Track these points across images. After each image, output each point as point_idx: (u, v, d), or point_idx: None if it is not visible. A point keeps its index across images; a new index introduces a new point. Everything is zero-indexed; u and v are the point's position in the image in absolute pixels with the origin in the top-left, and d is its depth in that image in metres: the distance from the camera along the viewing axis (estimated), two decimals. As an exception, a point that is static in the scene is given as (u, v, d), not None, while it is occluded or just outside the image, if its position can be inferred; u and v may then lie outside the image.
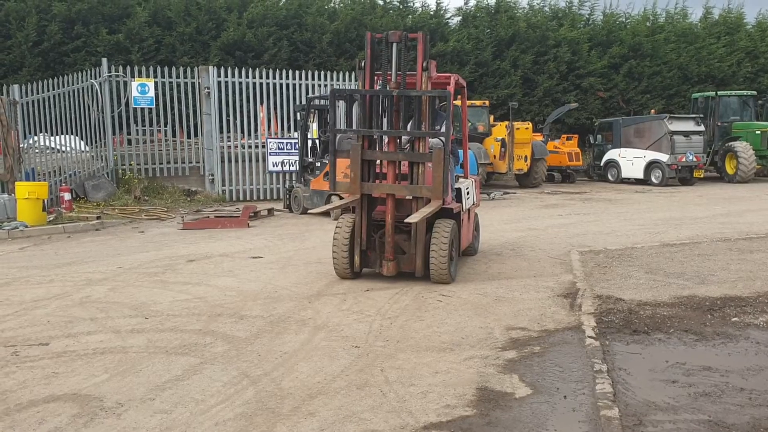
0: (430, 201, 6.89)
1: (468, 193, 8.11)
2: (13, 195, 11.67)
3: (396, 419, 3.75)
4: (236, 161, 16.60)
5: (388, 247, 6.97)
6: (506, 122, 20.18)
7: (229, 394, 4.11)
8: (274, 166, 15.96)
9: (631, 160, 21.55)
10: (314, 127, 14.20)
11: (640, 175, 21.20)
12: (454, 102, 7.66)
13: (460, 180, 8.24)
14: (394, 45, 6.92)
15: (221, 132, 16.62)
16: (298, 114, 14.37)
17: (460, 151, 8.54)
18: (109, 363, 4.69)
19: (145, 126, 16.67)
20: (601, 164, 22.81)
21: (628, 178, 21.70)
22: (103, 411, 3.87)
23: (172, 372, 4.51)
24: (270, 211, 13.65)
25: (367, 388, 4.21)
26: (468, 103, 20.79)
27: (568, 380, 4.34)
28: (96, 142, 15.68)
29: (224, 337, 5.30)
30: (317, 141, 13.83)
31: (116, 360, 4.75)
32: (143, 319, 5.84)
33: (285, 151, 15.88)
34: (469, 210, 8.22)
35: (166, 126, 16.86)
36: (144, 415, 3.81)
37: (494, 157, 19.66)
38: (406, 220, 6.62)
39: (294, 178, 15.09)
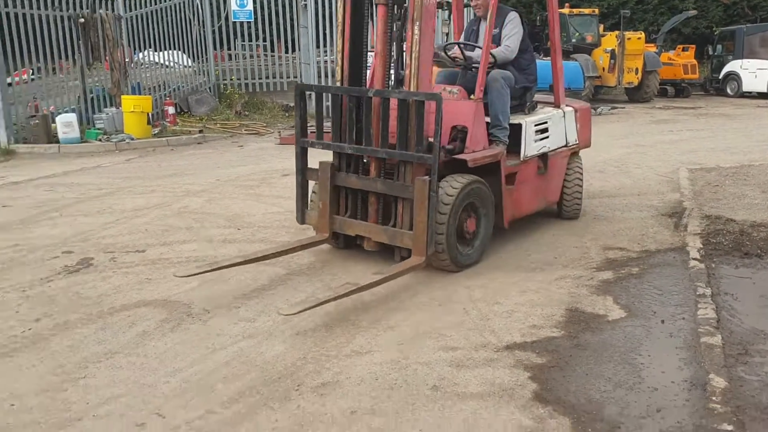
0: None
1: (542, 132, 5.61)
2: (120, 108, 12.07)
3: (477, 337, 3.63)
4: (333, 75, 16.47)
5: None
6: (617, 32, 19.04)
7: (311, 306, 4.10)
8: (370, 79, 15.70)
9: (754, 72, 19.87)
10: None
11: (764, 89, 19.56)
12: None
13: (539, 110, 5.80)
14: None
15: (318, 46, 16.46)
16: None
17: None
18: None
19: (244, 41, 16.71)
20: (720, 77, 21.18)
21: (750, 92, 20.08)
22: (189, 317, 3.95)
23: (259, 281, 4.55)
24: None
25: (449, 304, 4.10)
26: (576, 11, 19.75)
27: (666, 304, 4.06)
28: (198, 57, 15.91)
29: (311, 250, 5.29)
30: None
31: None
32: (236, 230, 5.93)
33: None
34: (544, 157, 5.68)
35: (264, 41, 16.84)
36: (228, 323, 3.86)
37: (603, 69, 18.63)
38: None
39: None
